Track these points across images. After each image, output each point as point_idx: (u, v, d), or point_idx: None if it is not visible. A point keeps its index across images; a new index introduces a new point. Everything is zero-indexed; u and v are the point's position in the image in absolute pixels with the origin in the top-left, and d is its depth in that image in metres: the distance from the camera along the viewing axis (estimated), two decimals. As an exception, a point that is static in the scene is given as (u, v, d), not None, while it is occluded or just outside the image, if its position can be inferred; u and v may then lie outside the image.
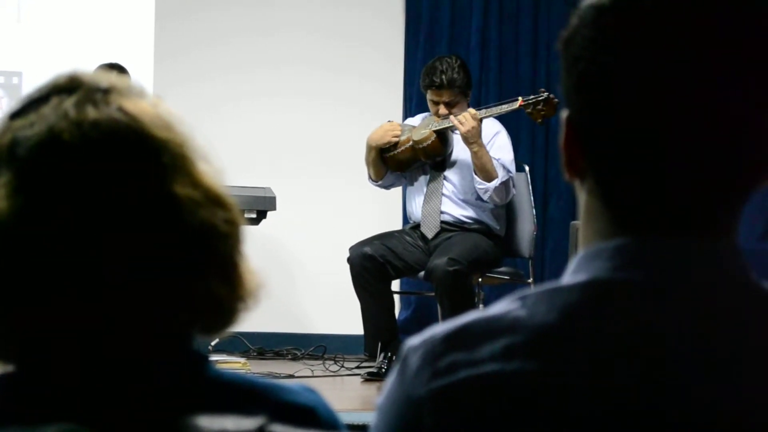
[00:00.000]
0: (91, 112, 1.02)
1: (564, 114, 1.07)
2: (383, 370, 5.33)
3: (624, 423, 0.96)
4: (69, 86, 1.05)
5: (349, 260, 5.48)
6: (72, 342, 1.00)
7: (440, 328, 1.05)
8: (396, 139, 5.54)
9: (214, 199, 1.04)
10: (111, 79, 1.07)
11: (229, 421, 0.92)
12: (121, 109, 1.03)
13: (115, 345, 1.00)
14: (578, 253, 1.06)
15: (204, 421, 0.92)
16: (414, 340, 1.05)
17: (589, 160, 1.05)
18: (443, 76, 5.42)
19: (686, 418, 0.96)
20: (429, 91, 5.49)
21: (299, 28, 6.71)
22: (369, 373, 5.34)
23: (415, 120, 5.76)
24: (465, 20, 6.59)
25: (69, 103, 1.03)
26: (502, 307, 1.04)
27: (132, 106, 1.04)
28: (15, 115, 1.05)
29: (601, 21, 1.03)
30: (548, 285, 1.03)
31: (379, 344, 5.41)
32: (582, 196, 1.08)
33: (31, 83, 6.51)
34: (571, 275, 1.04)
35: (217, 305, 1.05)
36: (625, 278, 1.01)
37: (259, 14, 6.71)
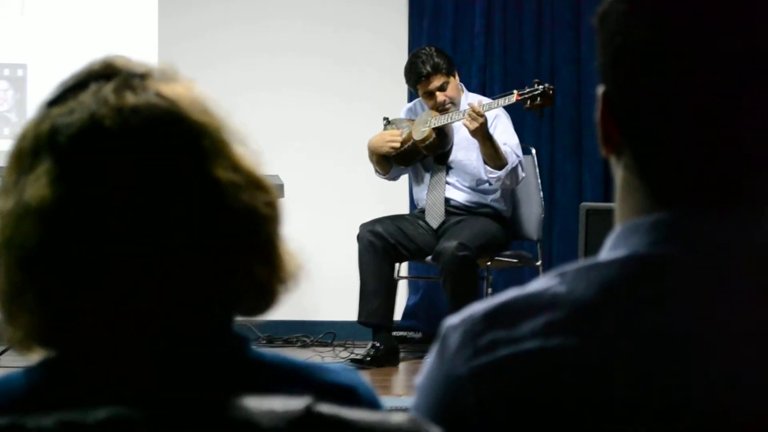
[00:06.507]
0: (131, 98, 1.02)
1: (599, 90, 1.07)
2: (367, 359, 5.35)
3: (663, 397, 0.96)
4: (105, 72, 1.05)
5: (358, 237, 5.50)
6: (116, 326, 1.00)
7: (479, 306, 1.05)
8: (393, 151, 5.58)
9: (254, 182, 1.04)
10: (146, 64, 1.08)
11: (277, 402, 0.92)
12: (159, 94, 1.03)
13: (159, 327, 1.01)
14: (615, 229, 1.06)
15: (252, 402, 0.93)
16: (453, 319, 1.05)
17: (626, 135, 1.05)
18: (427, 66, 5.47)
19: (726, 396, 0.96)
20: (419, 86, 5.53)
21: (304, 17, 6.70)
22: (353, 360, 5.38)
23: (410, 108, 5.78)
24: (469, 6, 6.57)
25: (108, 90, 1.03)
26: (541, 283, 1.04)
27: (169, 90, 1.04)
28: (52, 103, 1.05)
29: None
30: (586, 261, 1.03)
31: (372, 330, 5.45)
32: (618, 172, 1.08)
33: (36, 75, 6.54)
34: (609, 251, 1.05)
35: (258, 287, 1.05)
36: (664, 253, 1.01)
37: (262, 3, 6.70)
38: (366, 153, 5.73)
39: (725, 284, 0.99)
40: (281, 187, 5.68)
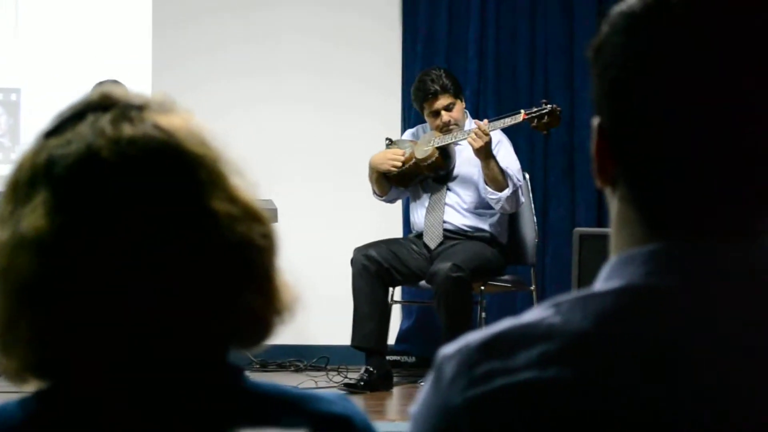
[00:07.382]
0: (128, 129, 1.02)
1: (594, 121, 1.07)
2: (361, 383, 5.36)
3: (660, 429, 0.96)
4: (103, 103, 1.06)
5: (352, 261, 5.51)
6: (110, 357, 1.00)
7: (474, 336, 1.05)
8: (395, 170, 5.59)
9: (250, 214, 1.05)
10: (143, 95, 1.08)
11: (273, 434, 0.93)
12: (156, 126, 1.04)
13: (153, 359, 1.01)
14: (610, 260, 1.06)
15: (248, 434, 0.93)
16: (448, 349, 1.05)
17: (622, 166, 1.05)
18: (435, 85, 5.49)
19: (723, 424, 0.96)
20: (426, 104, 5.54)
21: (298, 36, 6.71)
22: (346, 384, 5.38)
23: (413, 133, 5.80)
24: (462, 30, 6.59)
25: (105, 121, 1.03)
26: (536, 314, 1.04)
27: (166, 122, 1.05)
28: (49, 134, 1.05)
29: (632, 28, 1.03)
30: (581, 291, 1.03)
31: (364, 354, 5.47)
32: (613, 203, 1.08)
33: (30, 100, 6.54)
34: (604, 281, 1.05)
35: (254, 319, 1.06)
36: (659, 284, 1.01)
37: (256, 22, 6.72)
38: (361, 174, 5.74)
39: (722, 315, 0.99)
40: (275, 212, 5.69)
